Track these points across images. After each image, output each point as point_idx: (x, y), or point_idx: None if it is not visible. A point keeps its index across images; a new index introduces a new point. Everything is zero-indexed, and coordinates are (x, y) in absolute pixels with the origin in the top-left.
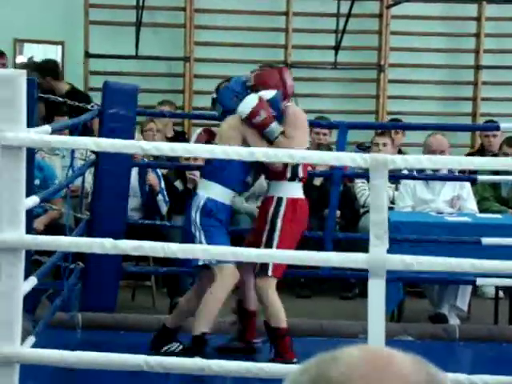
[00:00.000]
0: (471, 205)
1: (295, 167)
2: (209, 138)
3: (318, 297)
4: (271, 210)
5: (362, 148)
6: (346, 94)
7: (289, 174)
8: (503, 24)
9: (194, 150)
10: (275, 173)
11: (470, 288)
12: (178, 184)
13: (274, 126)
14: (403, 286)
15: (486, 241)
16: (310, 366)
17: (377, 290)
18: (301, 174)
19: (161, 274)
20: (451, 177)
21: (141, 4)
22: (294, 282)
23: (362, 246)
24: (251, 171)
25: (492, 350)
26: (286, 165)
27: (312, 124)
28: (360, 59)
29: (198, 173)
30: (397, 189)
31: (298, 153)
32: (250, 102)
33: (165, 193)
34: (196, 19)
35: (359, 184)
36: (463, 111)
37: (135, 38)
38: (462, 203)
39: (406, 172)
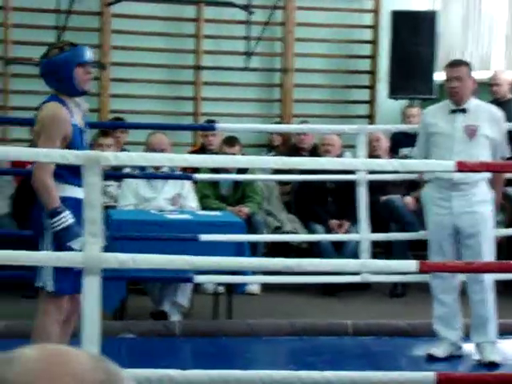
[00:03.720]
0: (192, 202)
1: None
2: None
3: None
4: None
5: None
6: None
7: None
8: (220, 26)
9: None
10: None
11: (190, 284)
12: None
13: None
14: (126, 283)
15: (203, 237)
16: None
17: (92, 288)
18: None
19: None
20: (171, 175)
21: None
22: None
23: None
24: None
25: (211, 344)
26: None
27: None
28: None
29: None
30: (120, 187)
31: None
32: None
33: None
34: None
35: None
36: (185, 110)
37: None
38: (183, 201)
39: (128, 170)
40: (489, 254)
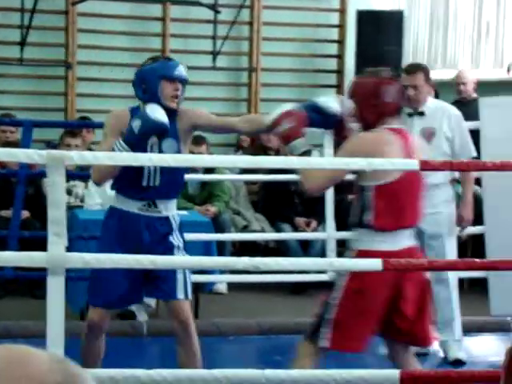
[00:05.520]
0: None
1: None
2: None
3: (10, 297)
4: None
5: (53, 146)
6: (34, 91)
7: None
8: (187, 25)
9: None
10: None
11: None
12: None
13: None
14: None
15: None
16: None
17: (56, 289)
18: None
19: None
20: None
21: None
22: None
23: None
24: None
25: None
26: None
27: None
28: (47, 56)
29: None
30: (86, 187)
31: None
32: None
33: None
34: None
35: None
36: None
37: None
38: None
39: None
40: (452, 254)
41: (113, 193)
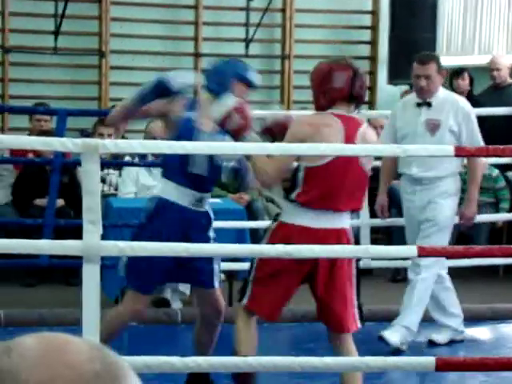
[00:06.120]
0: None
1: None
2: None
3: (45, 285)
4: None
5: (86, 134)
6: (68, 80)
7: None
8: (220, 13)
9: None
10: None
11: None
12: None
13: None
14: None
15: None
16: None
17: (91, 277)
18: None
19: None
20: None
21: None
22: (19, 270)
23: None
24: None
25: None
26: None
27: (31, 111)
28: (81, 45)
29: None
30: (120, 175)
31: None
32: None
33: None
34: None
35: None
36: None
37: None
38: None
39: (128, 159)
40: (439, 241)
41: (152, 182)
